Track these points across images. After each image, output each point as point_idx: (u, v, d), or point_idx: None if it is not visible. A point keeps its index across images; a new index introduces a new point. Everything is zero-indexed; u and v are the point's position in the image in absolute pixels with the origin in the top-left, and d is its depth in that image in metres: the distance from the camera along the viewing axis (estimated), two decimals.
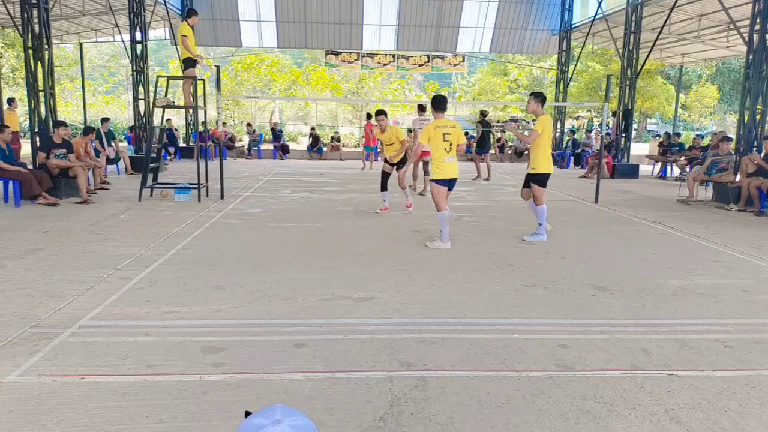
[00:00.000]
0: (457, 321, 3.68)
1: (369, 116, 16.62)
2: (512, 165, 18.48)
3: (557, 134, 18.81)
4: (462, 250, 5.77)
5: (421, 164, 10.01)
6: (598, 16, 15.81)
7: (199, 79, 9.38)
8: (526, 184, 6.49)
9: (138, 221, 6.92)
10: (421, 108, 10.47)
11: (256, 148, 19.02)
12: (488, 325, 3.62)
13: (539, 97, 6.29)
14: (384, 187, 8.02)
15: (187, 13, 9.14)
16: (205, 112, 10.27)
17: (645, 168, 15.90)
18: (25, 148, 13.71)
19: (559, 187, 11.86)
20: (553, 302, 4.11)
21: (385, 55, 20.54)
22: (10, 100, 12.89)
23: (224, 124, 19.26)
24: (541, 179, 6.27)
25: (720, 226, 7.46)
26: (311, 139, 19.58)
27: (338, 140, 20.42)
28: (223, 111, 13.12)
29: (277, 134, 19.11)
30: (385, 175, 8.12)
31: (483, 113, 13.87)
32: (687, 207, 9.18)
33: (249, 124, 20.29)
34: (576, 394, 2.70)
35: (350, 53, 20.19)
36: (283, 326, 3.52)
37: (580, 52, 19.56)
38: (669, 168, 14.85)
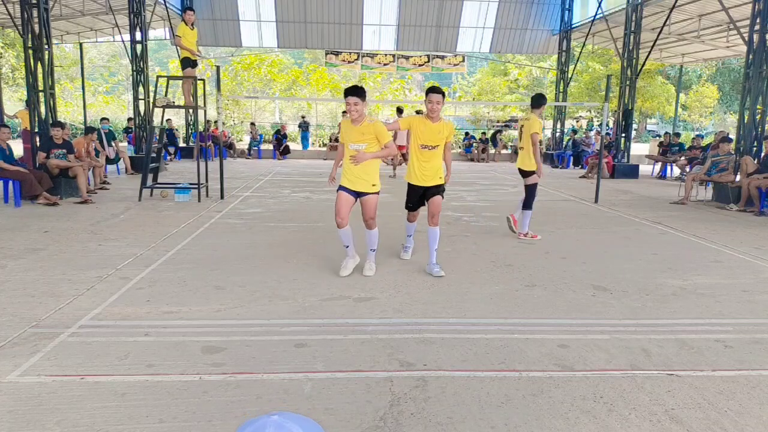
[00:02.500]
0: (457, 321, 3.68)
1: (400, 110, 14.08)
2: (513, 165, 18.44)
3: (557, 134, 18.80)
4: (462, 250, 5.77)
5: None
6: (598, 16, 15.81)
7: (199, 79, 9.38)
8: (419, 203, 4.98)
9: (138, 221, 6.92)
10: (399, 111, 10.60)
11: (256, 148, 19.00)
12: (488, 325, 3.61)
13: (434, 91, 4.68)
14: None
15: (183, 11, 9.12)
16: (205, 112, 10.27)
17: (645, 168, 15.90)
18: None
19: (559, 187, 11.86)
20: (553, 302, 4.11)
21: (385, 55, 20.53)
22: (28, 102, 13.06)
23: (223, 123, 19.25)
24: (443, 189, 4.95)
25: (720, 226, 7.46)
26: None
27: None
28: (223, 111, 13.12)
29: (280, 139, 19.08)
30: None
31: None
32: (687, 207, 9.17)
33: (252, 124, 20.29)
34: (576, 394, 2.70)
35: (350, 53, 20.19)
36: (283, 326, 3.51)
37: (580, 52, 19.53)
38: (669, 168, 14.85)
